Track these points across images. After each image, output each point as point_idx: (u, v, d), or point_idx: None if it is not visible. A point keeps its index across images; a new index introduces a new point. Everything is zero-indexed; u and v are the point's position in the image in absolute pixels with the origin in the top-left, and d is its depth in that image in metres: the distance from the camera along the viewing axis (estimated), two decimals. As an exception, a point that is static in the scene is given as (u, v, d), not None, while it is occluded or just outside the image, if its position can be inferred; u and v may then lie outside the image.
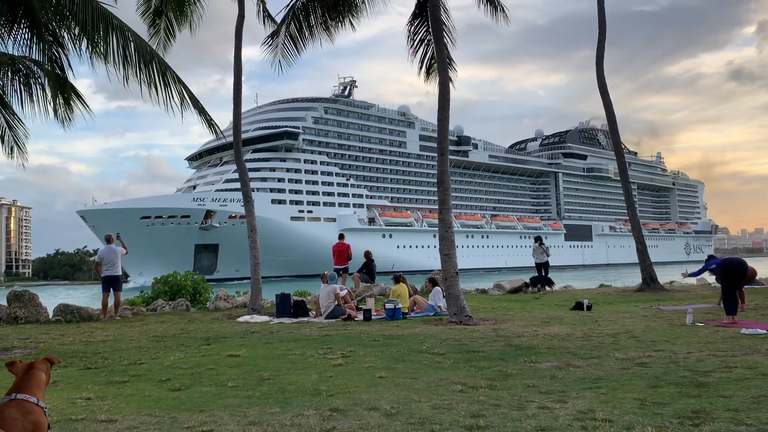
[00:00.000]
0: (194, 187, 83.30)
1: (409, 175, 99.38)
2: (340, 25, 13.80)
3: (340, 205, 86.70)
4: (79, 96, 9.91)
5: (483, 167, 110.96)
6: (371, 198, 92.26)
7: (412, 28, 14.10)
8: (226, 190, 77.32)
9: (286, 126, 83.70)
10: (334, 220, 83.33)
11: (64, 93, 9.39)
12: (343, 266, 17.32)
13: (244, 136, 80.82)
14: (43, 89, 10.15)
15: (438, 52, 12.84)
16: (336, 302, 12.77)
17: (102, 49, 8.74)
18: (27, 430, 3.01)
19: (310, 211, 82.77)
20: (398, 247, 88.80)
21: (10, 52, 9.80)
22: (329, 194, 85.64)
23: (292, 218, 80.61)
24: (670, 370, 6.35)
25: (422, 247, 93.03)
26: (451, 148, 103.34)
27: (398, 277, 13.82)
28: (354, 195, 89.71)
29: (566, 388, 5.63)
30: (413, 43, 14.12)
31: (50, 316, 13.58)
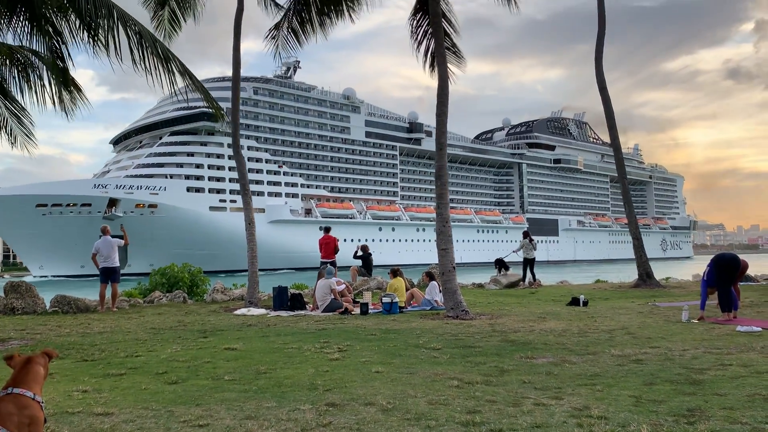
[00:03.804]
0: (107, 173, 76.60)
1: (353, 163, 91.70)
2: (340, 16, 13.75)
3: (270, 194, 78.69)
4: (77, 87, 9.92)
5: None
6: (308, 187, 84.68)
7: (415, 21, 14.04)
8: (137, 176, 71.13)
9: (206, 106, 75.62)
10: (263, 210, 74.92)
11: (67, 85, 9.37)
12: (330, 260, 16.91)
13: (160, 117, 77.27)
14: (41, 79, 10.11)
15: (437, 46, 12.81)
16: (332, 296, 12.79)
17: (104, 39, 8.76)
18: (23, 424, 3.01)
19: (233, 201, 73.75)
20: (338, 240, 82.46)
21: (8, 43, 9.80)
22: (257, 182, 76.52)
23: (212, 208, 73.52)
24: (666, 367, 6.37)
25: (365, 240, 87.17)
26: (402, 135, 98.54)
27: (395, 271, 13.84)
28: (287, 184, 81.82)
29: (562, 384, 5.65)
30: (417, 37, 14.06)
31: (47, 307, 13.59)
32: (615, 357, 6.99)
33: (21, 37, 8.96)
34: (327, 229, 17.57)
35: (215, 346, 8.12)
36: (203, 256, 63.85)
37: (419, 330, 9.45)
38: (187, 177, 73.59)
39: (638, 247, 19.93)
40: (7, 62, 10.28)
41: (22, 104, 10.50)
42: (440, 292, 12.61)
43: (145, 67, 8.79)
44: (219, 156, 76.43)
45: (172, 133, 75.35)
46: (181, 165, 73.72)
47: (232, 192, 74.74)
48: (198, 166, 74.78)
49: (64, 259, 64.22)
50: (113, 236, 14.43)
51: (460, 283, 15.59)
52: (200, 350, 7.82)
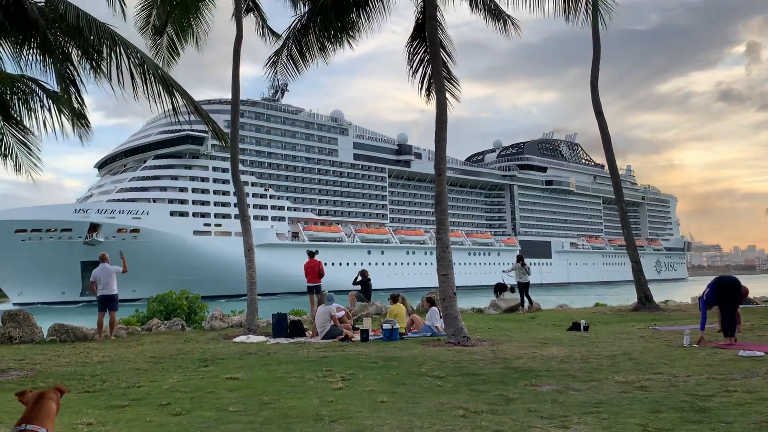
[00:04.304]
0: (89, 198, 75.64)
1: (341, 185, 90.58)
2: (338, 44, 13.90)
3: (256, 218, 74.90)
4: (82, 114, 10.04)
5: (428, 179, 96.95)
6: (295, 210, 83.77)
7: (412, 48, 14.19)
8: (119, 200, 70.20)
9: (190, 129, 68.64)
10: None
11: (75, 113, 9.48)
12: (315, 284, 16.53)
13: (145, 140, 76.44)
14: (43, 108, 10.20)
15: (435, 73, 12.94)
16: (332, 323, 12.75)
17: (106, 66, 8.95)
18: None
19: (218, 225, 74.06)
20: (325, 264, 76.57)
21: (9, 72, 9.92)
22: None
23: (196, 232, 72.22)
24: (671, 394, 6.36)
25: (354, 264, 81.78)
26: (391, 157, 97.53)
27: (395, 297, 13.82)
28: (274, 207, 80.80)
29: (568, 412, 5.63)
30: (413, 64, 14.19)
31: (45, 336, 13.50)
32: (619, 384, 6.97)
33: (32, 64, 9.14)
34: (312, 254, 17.00)
35: (217, 375, 8.08)
36: (187, 281, 61.95)
37: (421, 357, 9.41)
38: (171, 201, 72.82)
39: (637, 270, 19.94)
40: (8, 91, 10.38)
41: (30, 129, 10.54)
42: (441, 317, 12.59)
43: (148, 94, 9.00)
44: (204, 179, 75.74)
45: (156, 157, 74.66)
46: (164, 189, 72.94)
47: (216, 216, 75.00)
48: (182, 189, 73.97)
49: (44, 286, 62.93)
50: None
51: (459, 308, 15.59)
52: (202, 380, 7.77)
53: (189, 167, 75.35)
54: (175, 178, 74.19)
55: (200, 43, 14.36)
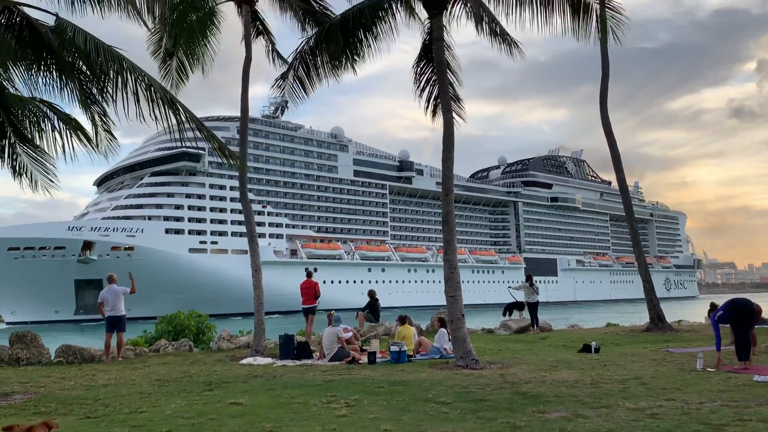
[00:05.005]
0: (86, 215, 75.16)
1: (341, 202, 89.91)
2: (346, 66, 13.90)
3: (245, 225, 75.69)
4: (86, 135, 10.13)
5: (430, 195, 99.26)
6: (293, 228, 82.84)
7: (419, 69, 14.16)
8: (114, 218, 69.65)
9: (188, 146, 70.93)
10: (246, 252, 72.11)
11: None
12: (311, 305, 16.07)
13: (142, 157, 75.81)
14: (53, 129, 10.32)
15: (442, 94, 12.90)
16: (339, 344, 12.63)
17: (111, 90, 9.14)
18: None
19: (214, 242, 73.32)
20: (324, 282, 73.33)
21: (20, 93, 10.08)
22: (240, 223, 72.11)
23: (191, 250, 71.16)
24: (683, 422, 6.19)
25: (354, 282, 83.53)
26: (392, 174, 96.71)
27: (403, 318, 13.69)
28: (272, 224, 79.47)
29: (576, 442, 5.48)
30: (420, 84, 14.15)
31: (52, 357, 13.46)
32: (629, 411, 6.80)
33: (47, 86, 9.35)
34: (309, 274, 16.60)
35: (220, 400, 7.98)
36: (182, 299, 60.96)
37: (428, 382, 9.25)
38: (167, 218, 71.98)
39: (649, 290, 19.70)
40: (21, 113, 10.49)
41: (43, 149, 10.62)
42: (450, 339, 12.43)
43: (154, 116, 9.17)
44: (200, 196, 74.95)
45: (153, 174, 74.05)
46: (160, 206, 72.14)
47: (213, 233, 74.34)
48: (178, 207, 73.12)
49: (38, 304, 62.50)
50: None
51: (469, 329, 15.42)
52: (205, 405, 7.67)
53: (185, 184, 74.84)
54: (171, 195, 73.62)
55: (206, 69, 14.49)
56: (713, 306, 13.58)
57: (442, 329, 13.32)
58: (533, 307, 19.77)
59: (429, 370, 10.79)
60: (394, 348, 12.14)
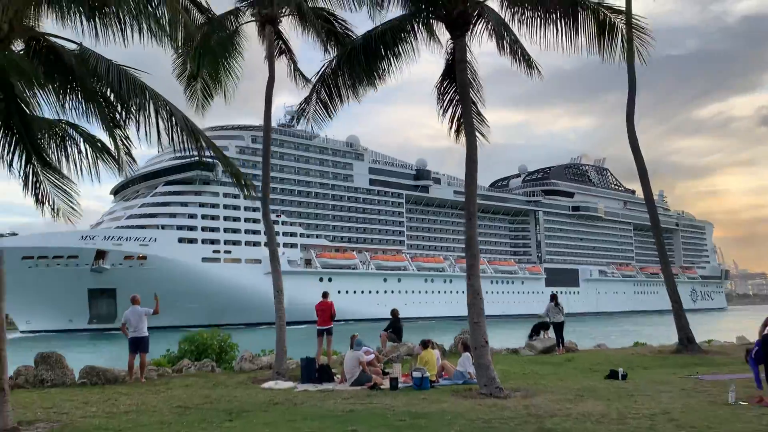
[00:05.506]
0: (101, 224, 75.20)
1: (356, 212, 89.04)
2: (369, 87, 13.83)
3: (266, 244, 74.14)
4: (110, 155, 10.33)
5: (448, 204, 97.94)
6: (308, 237, 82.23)
7: (442, 88, 14.04)
8: (127, 227, 69.63)
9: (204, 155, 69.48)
10: (260, 261, 69.50)
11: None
12: (327, 326, 15.77)
13: (158, 166, 75.34)
14: (79, 151, 10.46)
15: (465, 114, 12.75)
16: (361, 368, 12.51)
17: (135, 116, 9.36)
18: None
19: (228, 251, 73.16)
20: (339, 292, 73.30)
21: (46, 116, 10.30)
22: (254, 232, 72.81)
23: (204, 259, 71.06)
24: (714, 470, 5.95)
25: (369, 292, 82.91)
26: (409, 182, 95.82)
27: (426, 343, 13.50)
28: (286, 233, 77.52)
29: (602, 494, 5.28)
30: (443, 103, 14.02)
31: (76, 378, 13.55)
32: (658, 454, 6.57)
33: (74, 110, 9.66)
34: (325, 294, 16.32)
35: (240, 433, 7.91)
36: (194, 309, 61.44)
37: (450, 414, 9.06)
38: (180, 227, 71.75)
39: (678, 309, 19.23)
40: (46, 135, 10.64)
41: (67, 176, 10.74)
42: (473, 363, 12.23)
43: (174, 142, 9.38)
44: (213, 205, 74.59)
45: (167, 183, 73.90)
46: (173, 215, 71.98)
47: (226, 242, 74.20)
48: (191, 216, 72.94)
49: (52, 313, 63.14)
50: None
51: (493, 349, 15.18)
52: (224, 439, 7.61)
53: (199, 193, 74.71)
54: (185, 204, 73.60)
55: (228, 95, 14.61)
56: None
57: (466, 353, 13.11)
58: (559, 327, 19.43)
59: (452, 398, 10.60)
60: (416, 374, 11.98)
